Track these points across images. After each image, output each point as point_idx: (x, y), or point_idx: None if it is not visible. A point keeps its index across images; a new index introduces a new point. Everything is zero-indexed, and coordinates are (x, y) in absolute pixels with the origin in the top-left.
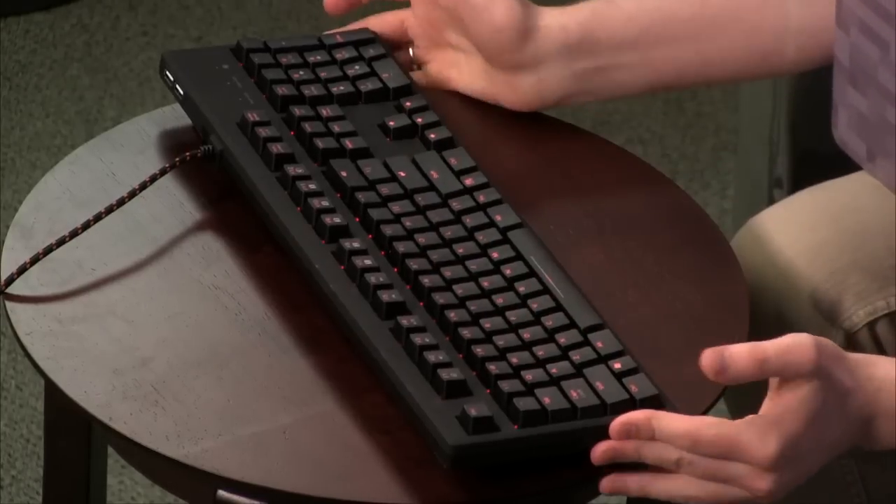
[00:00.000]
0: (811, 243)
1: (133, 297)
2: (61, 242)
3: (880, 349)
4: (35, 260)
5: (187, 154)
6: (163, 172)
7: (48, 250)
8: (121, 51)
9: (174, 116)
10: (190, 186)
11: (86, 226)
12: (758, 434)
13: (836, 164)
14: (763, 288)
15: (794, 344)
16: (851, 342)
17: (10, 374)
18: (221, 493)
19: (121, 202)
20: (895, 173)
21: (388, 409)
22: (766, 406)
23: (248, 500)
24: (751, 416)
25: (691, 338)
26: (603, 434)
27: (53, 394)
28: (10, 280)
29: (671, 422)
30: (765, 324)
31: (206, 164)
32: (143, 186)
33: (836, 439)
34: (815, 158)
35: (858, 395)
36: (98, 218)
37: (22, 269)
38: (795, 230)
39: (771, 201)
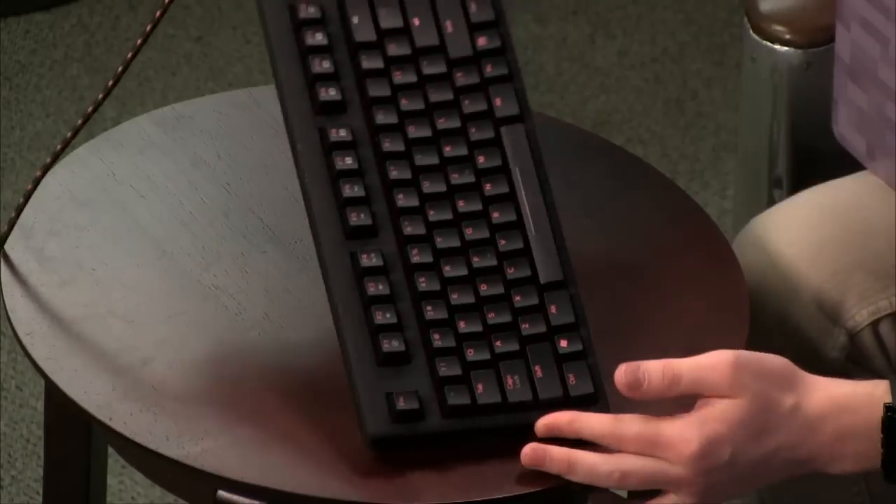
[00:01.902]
0: (813, 243)
1: (133, 297)
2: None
3: (883, 349)
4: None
5: None
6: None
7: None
8: (121, 51)
9: (174, 116)
10: (190, 186)
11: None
12: (679, 430)
13: (836, 163)
14: (764, 288)
15: (709, 364)
16: (854, 342)
17: (10, 374)
18: (221, 493)
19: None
20: (895, 170)
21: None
22: (696, 406)
23: (248, 500)
24: (675, 415)
25: (691, 339)
26: (530, 429)
27: (53, 394)
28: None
29: (592, 423)
30: (766, 324)
31: (209, 162)
32: (156, 24)
33: (773, 451)
34: (815, 158)
35: (807, 413)
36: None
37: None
38: (797, 230)
39: (771, 201)
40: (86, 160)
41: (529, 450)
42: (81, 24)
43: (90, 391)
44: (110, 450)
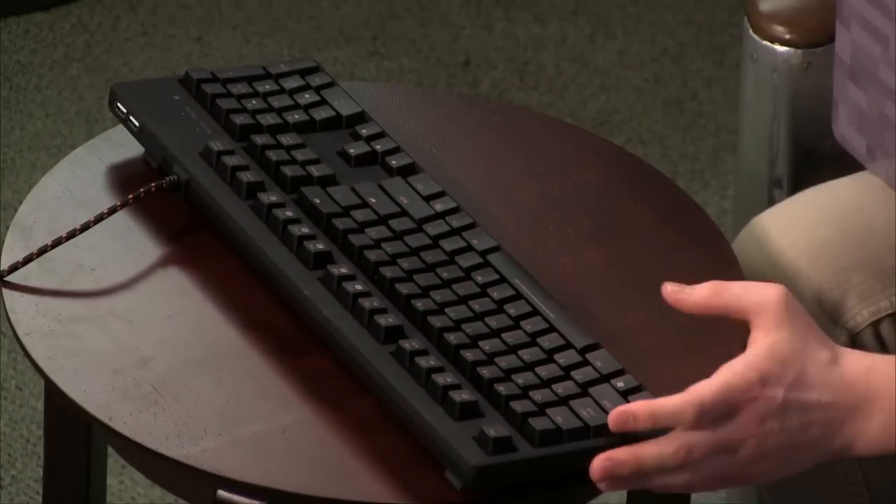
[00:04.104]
0: (813, 243)
1: (133, 297)
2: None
3: (884, 349)
4: (28, 260)
5: (152, 185)
6: (124, 204)
7: (42, 250)
8: (121, 51)
9: None
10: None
11: (42, 251)
12: (740, 370)
13: (836, 164)
14: None
15: (762, 284)
16: (855, 342)
17: (10, 374)
18: (221, 493)
19: (71, 234)
20: (895, 170)
21: (388, 409)
22: (750, 347)
23: (248, 500)
24: (738, 361)
25: (691, 338)
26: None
27: (53, 394)
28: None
29: (667, 404)
30: None
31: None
32: (100, 219)
33: (813, 407)
34: (815, 158)
35: (843, 371)
36: (57, 243)
37: (14, 268)
38: (797, 230)
39: (771, 201)
40: (86, 160)
41: (598, 461)
42: (81, 24)
43: (90, 391)
44: (110, 450)
